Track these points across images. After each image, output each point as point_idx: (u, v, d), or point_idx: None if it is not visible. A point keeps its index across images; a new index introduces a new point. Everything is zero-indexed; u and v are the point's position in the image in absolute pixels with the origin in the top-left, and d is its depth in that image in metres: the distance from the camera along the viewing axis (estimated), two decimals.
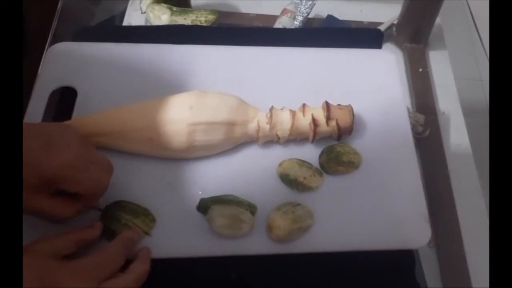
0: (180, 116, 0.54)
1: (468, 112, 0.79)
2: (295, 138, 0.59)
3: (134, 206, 0.53)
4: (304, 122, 0.57)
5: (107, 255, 0.46)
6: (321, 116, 0.57)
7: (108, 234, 0.50)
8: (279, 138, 0.57)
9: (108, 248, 0.47)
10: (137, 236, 0.51)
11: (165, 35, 0.71)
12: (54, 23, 0.74)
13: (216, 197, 0.54)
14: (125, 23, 0.82)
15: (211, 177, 0.56)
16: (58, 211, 0.46)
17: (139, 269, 0.47)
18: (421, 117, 0.74)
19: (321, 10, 0.86)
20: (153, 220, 0.53)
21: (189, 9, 0.82)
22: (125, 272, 0.46)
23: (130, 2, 0.84)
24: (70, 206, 0.47)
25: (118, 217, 0.52)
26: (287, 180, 0.56)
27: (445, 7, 0.81)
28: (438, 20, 0.85)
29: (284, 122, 0.57)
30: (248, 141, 0.58)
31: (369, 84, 0.65)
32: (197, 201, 0.53)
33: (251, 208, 0.53)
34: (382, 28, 0.85)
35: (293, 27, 0.81)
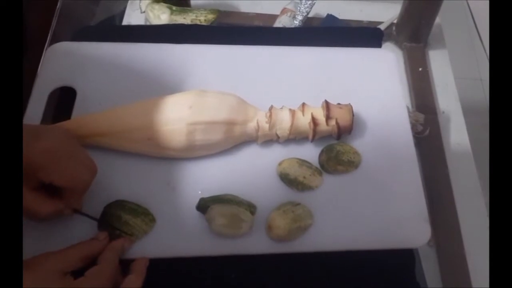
0: (179, 116, 0.54)
1: (468, 112, 0.79)
2: (295, 137, 0.58)
3: (134, 205, 0.53)
4: (304, 121, 0.57)
5: (105, 274, 0.46)
6: (320, 115, 0.57)
7: (108, 233, 0.50)
8: (278, 137, 0.57)
9: (105, 266, 0.47)
10: (128, 245, 0.51)
11: (164, 34, 0.71)
12: (54, 22, 0.74)
13: (215, 196, 0.54)
14: (125, 22, 0.82)
15: (211, 176, 0.56)
16: (36, 206, 0.46)
17: (133, 283, 0.47)
18: (421, 116, 0.74)
19: (321, 9, 0.86)
20: (152, 219, 0.53)
21: (189, 8, 0.82)
22: None
23: (129, 1, 0.84)
24: (48, 203, 0.46)
25: (118, 216, 0.52)
26: (287, 179, 0.56)
27: (445, 7, 0.82)
28: (438, 19, 0.85)
29: (283, 121, 0.56)
30: (247, 140, 0.58)
31: (369, 83, 0.65)
32: (196, 201, 0.53)
33: (251, 208, 0.53)
34: (382, 27, 0.85)
35: (293, 26, 0.81)
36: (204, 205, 0.52)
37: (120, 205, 0.53)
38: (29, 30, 0.72)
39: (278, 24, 0.82)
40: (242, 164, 0.57)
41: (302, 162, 0.57)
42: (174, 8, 0.80)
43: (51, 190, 0.46)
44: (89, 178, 0.48)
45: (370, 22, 0.87)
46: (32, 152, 0.43)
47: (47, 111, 0.59)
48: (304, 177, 0.56)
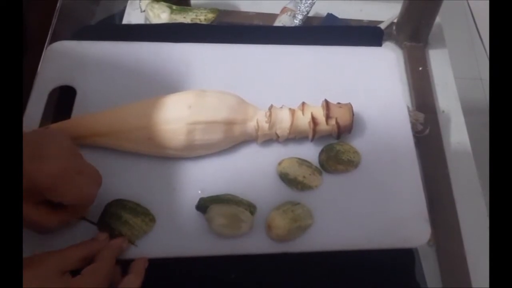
0: (179, 115, 0.54)
1: (468, 111, 0.79)
2: (295, 136, 0.58)
3: (134, 205, 0.53)
4: (304, 120, 0.57)
5: (101, 272, 0.46)
6: (320, 115, 0.57)
7: (108, 232, 0.50)
8: (278, 137, 0.57)
9: (102, 264, 0.46)
10: (126, 244, 0.51)
11: (164, 33, 0.71)
12: (54, 21, 0.74)
13: (215, 196, 0.54)
14: (125, 21, 0.82)
15: (211, 176, 0.56)
16: (42, 220, 0.45)
17: (132, 283, 0.47)
18: (421, 116, 0.74)
19: (321, 8, 0.86)
20: (152, 220, 0.52)
21: (189, 7, 0.82)
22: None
23: (129, 1, 0.84)
24: (54, 216, 0.46)
25: (118, 215, 0.52)
26: (287, 179, 0.56)
27: (445, 6, 0.82)
28: (438, 19, 0.85)
29: (283, 120, 0.56)
30: (247, 140, 0.58)
31: (369, 83, 0.65)
32: (196, 201, 0.53)
33: (251, 208, 0.53)
34: (382, 26, 0.85)
35: (293, 25, 0.81)
36: (203, 205, 0.52)
37: (120, 204, 0.53)
38: (29, 30, 0.72)
39: (278, 23, 0.82)
40: (242, 163, 0.57)
41: (302, 162, 0.57)
42: (174, 7, 0.80)
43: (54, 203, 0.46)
44: (95, 191, 0.48)
45: (370, 21, 0.87)
46: (37, 176, 0.42)
47: (46, 110, 0.58)
48: (304, 177, 0.56)
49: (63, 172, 0.44)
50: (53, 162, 0.43)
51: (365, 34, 0.76)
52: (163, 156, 0.56)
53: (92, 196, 0.48)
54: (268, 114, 0.57)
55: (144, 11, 0.81)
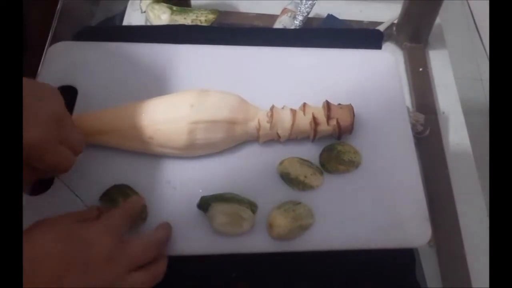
0: (181, 114, 0.54)
1: (468, 111, 0.80)
2: (296, 137, 0.59)
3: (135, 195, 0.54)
4: (305, 121, 0.57)
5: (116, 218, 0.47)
6: (321, 115, 0.57)
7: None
8: (279, 137, 0.57)
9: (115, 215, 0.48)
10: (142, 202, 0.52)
11: (165, 34, 0.71)
12: (54, 23, 0.74)
13: (217, 195, 0.54)
14: (125, 22, 0.82)
15: (212, 175, 0.56)
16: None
17: (161, 267, 0.48)
18: (421, 117, 0.74)
19: (321, 9, 0.86)
20: (144, 218, 0.52)
21: (189, 8, 0.82)
22: (148, 269, 0.46)
23: (130, 1, 0.84)
24: (27, 176, 0.46)
25: (115, 200, 0.52)
26: (288, 178, 0.56)
27: (445, 7, 0.82)
28: (438, 19, 0.85)
29: (284, 121, 0.57)
30: (248, 139, 0.58)
31: (369, 84, 0.65)
32: (198, 199, 0.53)
33: (252, 206, 0.53)
34: (382, 27, 0.85)
35: (293, 26, 0.81)
36: (205, 203, 0.52)
37: (123, 191, 0.53)
38: (29, 30, 0.72)
39: (278, 24, 0.82)
40: (243, 163, 0.57)
41: (303, 162, 0.57)
42: (174, 8, 0.80)
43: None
44: (73, 160, 0.48)
45: (370, 22, 0.87)
46: None
47: None
48: (305, 177, 0.56)
49: (42, 141, 0.43)
50: (33, 130, 0.42)
51: (365, 37, 0.76)
52: (165, 155, 0.56)
53: (69, 164, 0.47)
54: (269, 114, 0.57)
55: (144, 12, 0.81)
